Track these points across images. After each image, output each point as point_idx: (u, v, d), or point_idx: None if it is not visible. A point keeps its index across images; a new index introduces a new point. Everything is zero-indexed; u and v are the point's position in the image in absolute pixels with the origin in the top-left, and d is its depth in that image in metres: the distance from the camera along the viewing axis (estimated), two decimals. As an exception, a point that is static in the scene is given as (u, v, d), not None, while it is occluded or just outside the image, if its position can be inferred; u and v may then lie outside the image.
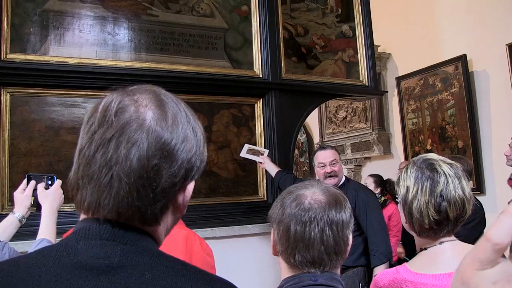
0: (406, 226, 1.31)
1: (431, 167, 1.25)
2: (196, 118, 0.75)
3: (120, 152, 0.65)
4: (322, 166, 3.03)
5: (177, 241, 1.48)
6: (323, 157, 3.05)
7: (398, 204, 1.33)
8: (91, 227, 0.68)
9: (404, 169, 1.31)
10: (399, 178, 1.31)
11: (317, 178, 3.11)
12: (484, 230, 2.92)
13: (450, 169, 1.24)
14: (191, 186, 0.74)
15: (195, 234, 1.63)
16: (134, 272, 0.64)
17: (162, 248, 0.73)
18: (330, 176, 3.00)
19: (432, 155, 1.30)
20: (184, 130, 0.70)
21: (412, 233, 1.30)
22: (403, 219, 1.31)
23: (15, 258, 0.69)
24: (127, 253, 0.66)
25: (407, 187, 1.26)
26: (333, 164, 3.02)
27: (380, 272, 1.38)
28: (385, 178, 4.72)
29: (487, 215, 2.92)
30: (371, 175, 4.71)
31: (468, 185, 1.25)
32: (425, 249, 1.27)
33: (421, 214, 1.22)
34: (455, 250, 1.24)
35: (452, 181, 1.22)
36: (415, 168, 1.27)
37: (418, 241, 1.31)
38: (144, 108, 0.68)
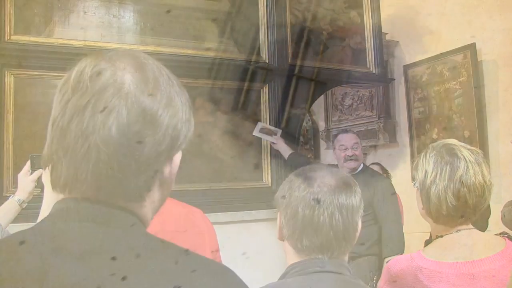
0: (422, 212, 1.28)
1: (451, 152, 1.21)
2: (180, 84, 0.69)
3: (97, 119, 0.59)
4: (344, 149, 3.00)
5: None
6: (345, 139, 3.03)
7: (416, 190, 1.29)
8: (68, 207, 0.61)
9: (423, 154, 1.27)
10: (417, 163, 1.27)
11: (337, 162, 3.08)
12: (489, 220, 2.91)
13: (470, 154, 1.21)
14: (177, 157, 0.69)
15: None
16: (119, 258, 0.57)
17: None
18: (351, 159, 2.96)
19: (452, 141, 1.26)
20: (167, 94, 0.64)
21: (428, 219, 1.27)
22: (419, 204, 1.27)
23: None
24: (110, 236, 0.60)
25: (426, 172, 1.23)
26: (355, 147, 3.00)
27: (394, 258, 1.36)
28: (390, 166, 4.69)
29: (492, 206, 2.89)
30: (375, 163, 4.68)
31: (489, 172, 1.22)
32: (441, 236, 1.25)
33: (439, 200, 1.19)
34: (472, 239, 1.21)
35: (473, 167, 1.18)
36: (434, 152, 1.24)
37: (434, 228, 1.28)
38: (122, 71, 0.62)
